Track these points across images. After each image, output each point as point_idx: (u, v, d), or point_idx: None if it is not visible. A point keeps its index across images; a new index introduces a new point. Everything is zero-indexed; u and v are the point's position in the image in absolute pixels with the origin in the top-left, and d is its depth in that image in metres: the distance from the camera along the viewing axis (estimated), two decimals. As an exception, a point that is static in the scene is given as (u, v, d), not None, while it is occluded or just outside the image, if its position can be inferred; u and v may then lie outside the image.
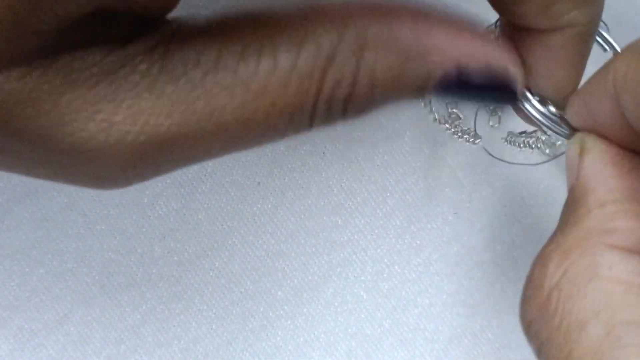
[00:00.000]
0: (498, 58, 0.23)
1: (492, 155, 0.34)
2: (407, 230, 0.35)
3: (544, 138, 0.35)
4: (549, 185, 0.36)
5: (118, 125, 0.20)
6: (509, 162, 0.34)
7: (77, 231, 0.33)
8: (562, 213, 0.23)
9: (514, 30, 0.25)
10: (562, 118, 0.25)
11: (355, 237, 0.35)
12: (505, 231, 0.36)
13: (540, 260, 0.22)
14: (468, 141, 0.34)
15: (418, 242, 0.35)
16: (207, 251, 0.34)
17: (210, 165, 0.34)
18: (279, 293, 0.34)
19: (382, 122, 0.35)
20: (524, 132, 0.35)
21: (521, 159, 0.36)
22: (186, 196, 0.33)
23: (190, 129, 0.20)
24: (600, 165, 0.23)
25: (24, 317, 0.32)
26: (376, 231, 0.35)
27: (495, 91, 0.23)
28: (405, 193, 0.35)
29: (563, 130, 0.25)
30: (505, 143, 0.35)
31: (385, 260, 0.35)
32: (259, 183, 0.34)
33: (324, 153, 0.34)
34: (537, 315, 0.22)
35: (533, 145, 0.35)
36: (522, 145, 0.35)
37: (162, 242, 0.33)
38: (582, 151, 0.23)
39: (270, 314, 0.34)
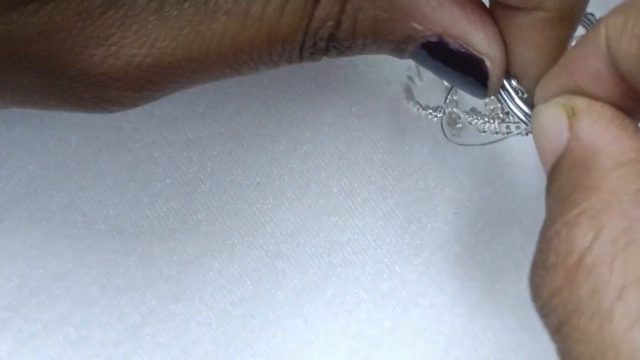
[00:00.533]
0: (480, 42, 0.23)
1: (445, 134, 0.33)
2: (407, 230, 0.35)
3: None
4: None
5: (126, 49, 0.21)
6: (460, 144, 0.33)
7: (76, 231, 0.33)
8: (560, 179, 0.22)
9: (491, 4, 0.25)
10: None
11: (355, 237, 0.35)
12: (505, 231, 0.36)
13: (566, 227, 0.20)
14: (430, 115, 0.33)
15: (418, 242, 0.35)
16: (207, 251, 0.34)
17: (209, 165, 0.34)
18: (279, 293, 0.34)
19: (382, 122, 0.35)
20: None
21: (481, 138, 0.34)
22: (186, 196, 0.33)
23: (193, 51, 0.22)
24: (601, 125, 0.22)
25: (23, 318, 0.32)
26: (376, 231, 0.35)
27: (469, 75, 0.24)
28: (405, 193, 0.35)
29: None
30: (468, 117, 0.33)
31: (386, 260, 0.35)
32: (258, 183, 0.34)
33: (323, 153, 0.34)
34: (563, 283, 0.20)
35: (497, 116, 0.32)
36: (485, 119, 0.32)
37: (162, 242, 0.33)
38: (574, 113, 0.22)
39: (270, 314, 0.34)
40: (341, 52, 0.24)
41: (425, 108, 0.33)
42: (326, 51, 0.23)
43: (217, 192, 0.34)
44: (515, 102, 0.25)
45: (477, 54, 0.23)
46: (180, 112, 0.34)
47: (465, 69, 0.24)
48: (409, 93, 0.34)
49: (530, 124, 0.25)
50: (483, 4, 0.24)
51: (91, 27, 0.21)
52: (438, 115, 0.33)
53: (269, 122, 0.34)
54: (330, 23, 0.22)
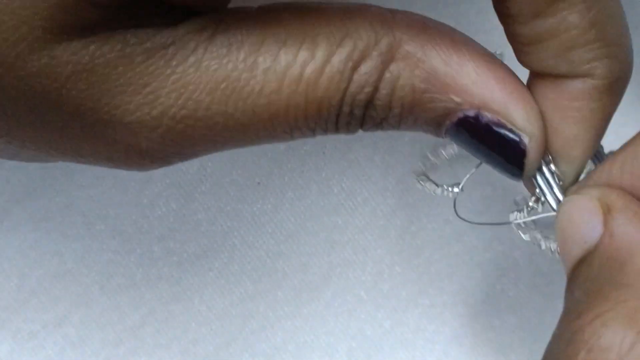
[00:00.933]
0: (519, 118, 0.23)
1: (457, 213, 0.31)
2: (408, 230, 0.35)
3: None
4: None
5: (162, 99, 0.21)
6: (473, 223, 0.33)
7: (76, 232, 0.33)
8: (590, 273, 0.22)
9: (531, 78, 0.24)
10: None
11: (356, 237, 0.35)
12: (505, 231, 0.36)
13: (598, 320, 0.20)
14: (446, 191, 0.32)
15: (418, 242, 0.35)
16: (207, 252, 0.34)
17: (209, 166, 0.33)
18: (279, 293, 0.34)
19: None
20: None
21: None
22: (185, 196, 0.33)
23: (229, 107, 0.21)
24: (637, 226, 0.22)
25: (22, 318, 0.32)
26: (376, 231, 0.35)
27: (506, 154, 0.23)
28: (405, 193, 0.35)
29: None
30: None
31: (386, 260, 0.35)
32: (258, 183, 0.34)
33: (324, 153, 0.34)
34: None
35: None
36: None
37: (162, 242, 0.33)
38: (610, 210, 0.22)
39: (270, 314, 0.34)
40: (377, 124, 0.23)
41: (441, 185, 0.32)
42: (362, 121, 0.23)
43: (217, 192, 0.34)
44: (551, 187, 0.24)
45: (516, 130, 0.23)
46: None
47: (502, 146, 0.23)
48: (422, 175, 0.34)
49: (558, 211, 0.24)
50: (521, 80, 0.24)
51: (131, 73, 0.21)
52: (454, 190, 0.32)
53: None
54: (368, 89, 0.22)
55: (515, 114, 0.22)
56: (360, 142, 0.34)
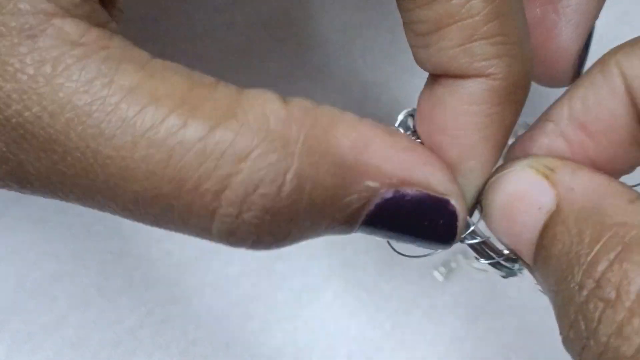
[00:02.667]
0: (439, 182, 0.21)
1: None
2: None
3: None
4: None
5: (2, 92, 0.18)
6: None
7: (74, 233, 0.33)
8: (569, 230, 0.20)
9: (428, 83, 0.23)
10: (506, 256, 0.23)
11: (356, 238, 0.34)
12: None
13: (617, 261, 0.19)
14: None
15: (419, 243, 0.35)
16: (205, 253, 0.34)
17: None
18: (278, 295, 0.34)
19: (383, 122, 0.34)
20: None
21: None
22: (184, 197, 0.33)
23: (70, 140, 0.18)
24: (587, 173, 0.21)
25: (20, 320, 0.32)
26: (376, 232, 0.35)
27: (436, 224, 0.21)
28: (405, 194, 0.35)
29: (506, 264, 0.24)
30: None
31: (386, 261, 0.35)
32: (257, 184, 0.34)
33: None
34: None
35: None
36: None
37: (160, 244, 0.33)
38: (552, 169, 0.21)
39: (270, 316, 0.34)
40: (277, 231, 0.19)
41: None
42: (268, 226, 0.19)
43: (216, 193, 0.34)
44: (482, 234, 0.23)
45: (441, 196, 0.21)
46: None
47: (431, 218, 0.21)
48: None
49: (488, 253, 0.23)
50: (422, 144, 0.22)
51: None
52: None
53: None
54: (263, 190, 0.18)
55: (434, 179, 0.21)
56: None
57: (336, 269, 0.35)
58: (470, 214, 0.23)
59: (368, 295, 0.35)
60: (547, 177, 0.21)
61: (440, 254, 0.35)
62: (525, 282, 0.36)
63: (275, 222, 0.19)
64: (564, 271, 0.20)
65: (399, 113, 0.27)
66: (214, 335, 0.34)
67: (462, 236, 0.22)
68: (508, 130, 0.22)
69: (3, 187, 0.20)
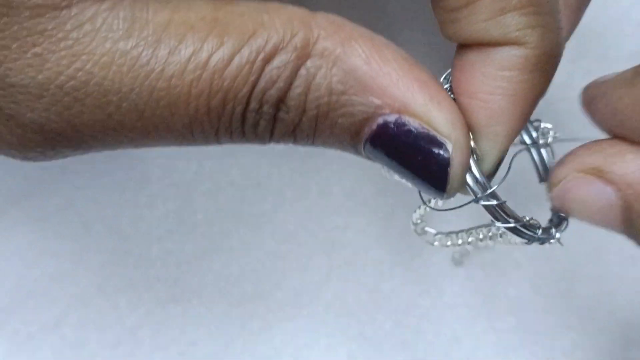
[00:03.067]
0: (442, 123, 0.21)
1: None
2: (408, 231, 0.35)
3: None
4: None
5: (50, 64, 0.20)
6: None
7: (73, 232, 0.33)
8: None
9: (457, 51, 0.23)
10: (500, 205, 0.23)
11: (356, 237, 0.35)
12: (505, 231, 0.36)
13: None
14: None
15: (419, 243, 0.35)
16: (206, 253, 0.34)
17: (208, 166, 0.33)
18: (279, 295, 0.34)
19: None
20: None
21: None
22: (184, 197, 0.33)
23: (124, 86, 0.20)
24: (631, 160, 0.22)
25: (19, 319, 0.32)
26: (376, 232, 0.35)
27: (428, 166, 0.21)
28: (405, 194, 0.35)
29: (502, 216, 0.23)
30: None
31: (386, 261, 0.35)
32: (258, 184, 0.34)
33: (324, 153, 0.34)
34: None
35: None
36: None
37: (160, 243, 0.33)
38: (600, 169, 0.23)
39: (270, 316, 0.34)
40: (289, 132, 0.21)
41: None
42: (273, 124, 0.21)
43: (216, 193, 0.34)
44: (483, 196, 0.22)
45: (439, 137, 0.21)
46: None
47: (424, 157, 0.21)
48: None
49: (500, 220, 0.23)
50: (443, 87, 0.22)
51: (17, 27, 0.19)
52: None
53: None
54: (280, 85, 0.20)
55: (438, 118, 0.21)
56: (360, 142, 0.34)
57: (336, 269, 0.35)
58: (491, 177, 0.23)
59: (368, 295, 0.35)
60: (599, 174, 0.23)
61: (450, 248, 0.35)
62: (524, 282, 0.36)
63: (284, 113, 0.21)
64: None
65: None
66: (214, 336, 0.34)
67: (478, 197, 0.22)
68: (536, 100, 0.22)
69: (57, 155, 0.22)
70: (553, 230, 0.25)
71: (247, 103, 0.20)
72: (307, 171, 0.34)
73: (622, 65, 0.36)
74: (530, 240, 0.25)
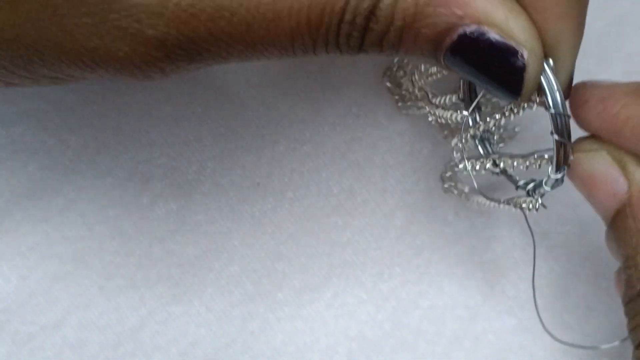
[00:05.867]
0: (520, 32, 0.23)
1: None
2: (408, 231, 0.35)
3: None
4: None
5: None
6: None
7: (75, 233, 0.33)
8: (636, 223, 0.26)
9: None
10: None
11: (356, 238, 0.35)
12: (506, 231, 0.36)
13: None
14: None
15: (418, 242, 0.35)
16: (207, 252, 0.34)
17: (209, 166, 0.34)
18: (279, 295, 0.34)
19: (382, 122, 0.35)
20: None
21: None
22: (185, 197, 0.33)
23: (234, 1, 0.22)
24: None
25: (21, 320, 0.32)
26: (376, 232, 0.35)
27: (505, 71, 0.23)
28: (405, 194, 0.35)
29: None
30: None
31: (386, 261, 0.35)
32: (258, 184, 0.34)
33: (324, 153, 0.34)
34: None
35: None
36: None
37: (161, 243, 0.33)
38: (622, 164, 0.26)
39: (270, 315, 0.34)
40: (377, 42, 0.23)
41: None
42: (364, 34, 0.23)
43: (217, 193, 0.34)
44: (555, 96, 0.25)
45: (517, 46, 0.23)
46: (180, 113, 0.34)
47: (502, 63, 0.23)
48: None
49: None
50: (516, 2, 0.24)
51: None
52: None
53: (269, 123, 0.34)
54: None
55: (516, 29, 0.23)
56: (359, 143, 0.34)
57: (336, 269, 0.35)
58: (566, 96, 0.26)
59: (368, 295, 0.35)
60: (623, 167, 0.26)
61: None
62: (524, 282, 0.36)
63: (374, 24, 0.23)
64: (631, 254, 0.26)
65: None
66: (215, 336, 0.34)
67: (534, 99, 0.25)
68: (585, 12, 0.25)
69: (174, 71, 0.23)
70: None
71: (342, 16, 0.22)
72: (307, 171, 0.34)
73: (621, 65, 0.36)
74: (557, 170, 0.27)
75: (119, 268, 0.33)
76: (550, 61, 0.25)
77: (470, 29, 0.22)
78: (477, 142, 0.31)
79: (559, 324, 0.36)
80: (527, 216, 0.30)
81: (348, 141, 0.34)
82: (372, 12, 0.22)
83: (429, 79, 0.32)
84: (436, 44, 0.23)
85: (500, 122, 0.28)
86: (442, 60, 0.23)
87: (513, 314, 0.36)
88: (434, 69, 0.31)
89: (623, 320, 0.36)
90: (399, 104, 0.34)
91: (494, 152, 0.31)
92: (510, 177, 0.31)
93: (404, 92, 0.34)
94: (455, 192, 0.34)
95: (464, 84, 0.30)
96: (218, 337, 0.34)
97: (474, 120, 0.30)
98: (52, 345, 0.33)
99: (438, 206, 0.35)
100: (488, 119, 0.29)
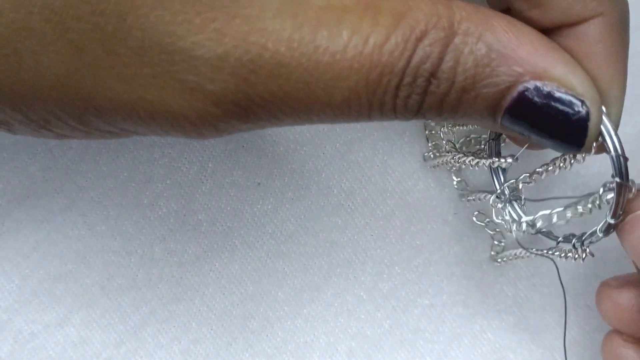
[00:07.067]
0: (580, 83, 0.23)
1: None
2: (407, 230, 0.35)
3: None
4: (548, 186, 0.36)
5: (228, 39, 0.21)
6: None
7: (77, 232, 0.33)
8: None
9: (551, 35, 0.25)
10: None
11: (355, 237, 0.35)
12: (504, 231, 0.36)
13: None
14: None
15: (418, 242, 0.35)
16: (207, 252, 0.34)
17: (210, 166, 0.33)
18: (279, 294, 0.34)
19: (382, 123, 0.35)
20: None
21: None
22: (186, 197, 0.33)
23: (293, 60, 0.21)
24: None
25: (23, 319, 0.32)
26: (376, 232, 0.35)
27: (568, 124, 0.23)
28: (405, 194, 0.35)
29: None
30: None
31: (385, 260, 0.35)
32: (259, 184, 0.34)
33: (324, 154, 0.34)
34: None
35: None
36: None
37: (162, 243, 0.33)
38: None
39: (271, 314, 0.34)
40: (437, 105, 0.23)
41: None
42: (423, 97, 0.23)
43: (218, 193, 0.34)
44: (613, 141, 0.25)
45: (578, 97, 0.23)
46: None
47: (564, 117, 0.23)
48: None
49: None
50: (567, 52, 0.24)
51: (198, 4, 0.21)
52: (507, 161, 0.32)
53: (269, 123, 0.34)
54: (433, 59, 0.22)
55: (576, 80, 0.23)
56: (359, 143, 0.34)
57: (336, 268, 0.35)
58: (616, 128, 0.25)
59: (367, 294, 0.35)
60: None
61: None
62: (522, 281, 0.36)
63: (436, 87, 0.22)
64: None
65: None
66: (216, 334, 0.34)
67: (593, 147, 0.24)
68: (627, 54, 0.25)
69: (228, 130, 0.23)
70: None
71: (402, 77, 0.22)
72: (307, 171, 0.34)
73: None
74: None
75: (120, 267, 0.33)
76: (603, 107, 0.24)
77: (529, 85, 0.22)
78: (508, 208, 0.31)
79: (559, 324, 0.36)
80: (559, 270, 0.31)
81: (348, 142, 0.34)
82: (433, 74, 0.22)
83: (457, 127, 0.33)
84: (496, 104, 0.23)
85: (541, 177, 0.29)
86: (499, 121, 0.23)
87: (511, 312, 0.36)
88: None
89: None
90: (430, 155, 0.35)
91: (524, 214, 0.31)
92: (548, 234, 0.31)
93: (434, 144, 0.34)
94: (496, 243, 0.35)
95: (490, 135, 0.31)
96: (219, 336, 0.34)
97: (511, 186, 0.31)
98: (55, 344, 0.33)
99: (438, 206, 0.35)
100: (526, 176, 0.29)
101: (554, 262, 0.31)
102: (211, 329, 0.34)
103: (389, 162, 0.35)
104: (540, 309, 0.36)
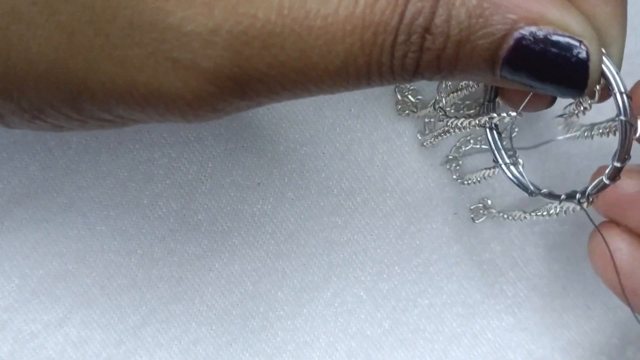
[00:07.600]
0: (577, 24, 0.23)
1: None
2: (407, 230, 0.35)
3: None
4: (548, 186, 0.36)
5: (217, 11, 0.21)
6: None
7: (77, 232, 0.33)
8: None
9: None
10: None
11: (355, 237, 0.35)
12: (504, 231, 0.36)
13: None
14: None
15: (418, 242, 0.35)
16: (207, 252, 0.34)
17: (210, 166, 0.34)
18: (279, 294, 0.34)
19: (382, 123, 0.35)
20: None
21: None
22: (186, 197, 0.33)
23: (285, 28, 0.21)
24: None
25: (23, 319, 0.32)
26: (376, 232, 0.35)
27: (568, 67, 0.23)
28: (404, 193, 0.35)
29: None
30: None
31: (385, 260, 0.35)
32: (258, 184, 0.34)
33: (323, 154, 0.34)
34: None
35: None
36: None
37: (162, 243, 0.33)
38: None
39: (270, 314, 0.34)
40: (434, 61, 0.22)
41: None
42: (420, 54, 0.22)
43: (218, 193, 0.34)
44: (617, 80, 0.24)
45: (576, 37, 0.22)
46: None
47: (564, 60, 0.23)
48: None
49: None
50: None
51: None
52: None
53: (269, 123, 0.34)
54: (425, 13, 0.21)
55: (572, 22, 0.22)
56: (359, 143, 0.34)
57: (336, 268, 0.35)
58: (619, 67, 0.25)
59: (367, 294, 0.35)
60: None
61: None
62: (523, 282, 0.36)
63: (430, 43, 0.22)
64: None
65: None
66: (216, 334, 0.34)
67: (596, 87, 0.24)
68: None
69: (225, 109, 0.22)
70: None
71: (396, 35, 0.22)
72: (306, 172, 0.34)
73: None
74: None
75: (120, 267, 0.33)
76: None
77: (525, 31, 0.22)
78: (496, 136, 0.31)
79: (559, 324, 0.36)
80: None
81: (348, 142, 0.34)
82: (426, 29, 0.22)
83: (457, 93, 0.32)
84: (493, 55, 0.22)
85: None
86: (499, 73, 0.23)
87: (511, 312, 0.36)
88: (463, 84, 0.30)
89: (622, 319, 0.36)
90: (400, 108, 0.34)
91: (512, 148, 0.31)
92: (549, 195, 0.31)
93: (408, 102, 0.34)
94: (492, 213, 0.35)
95: (488, 91, 0.30)
96: (219, 336, 0.34)
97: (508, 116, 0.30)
98: (54, 344, 0.33)
99: (437, 206, 0.35)
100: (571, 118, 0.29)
101: (581, 206, 0.29)
102: (211, 329, 0.34)
103: (389, 162, 0.35)
104: (540, 309, 0.36)
